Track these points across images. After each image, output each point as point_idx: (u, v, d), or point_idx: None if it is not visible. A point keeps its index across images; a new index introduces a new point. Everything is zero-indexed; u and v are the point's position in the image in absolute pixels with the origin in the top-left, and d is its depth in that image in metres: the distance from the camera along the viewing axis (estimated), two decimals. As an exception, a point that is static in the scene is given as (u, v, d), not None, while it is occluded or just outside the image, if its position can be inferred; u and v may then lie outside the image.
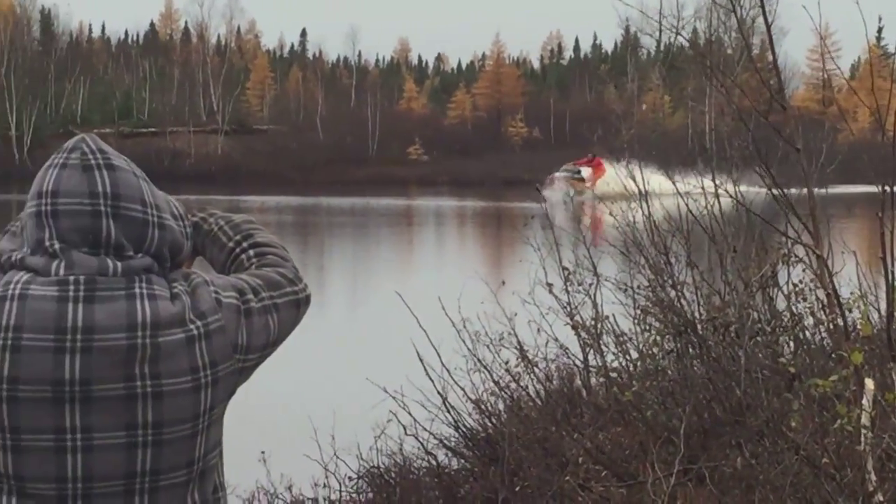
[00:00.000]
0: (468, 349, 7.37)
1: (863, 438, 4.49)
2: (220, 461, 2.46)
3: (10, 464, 2.25)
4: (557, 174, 57.50)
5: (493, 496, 6.18)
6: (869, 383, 4.66)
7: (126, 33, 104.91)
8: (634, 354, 6.97)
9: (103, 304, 2.25)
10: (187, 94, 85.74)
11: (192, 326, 2.28)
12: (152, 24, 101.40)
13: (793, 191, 6.45)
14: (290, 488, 7.23)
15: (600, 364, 6.96)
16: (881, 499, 4.44)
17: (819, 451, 4.66)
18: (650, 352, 6.76)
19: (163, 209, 2.36)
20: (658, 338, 6.73)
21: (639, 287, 7.40)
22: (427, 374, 6.96)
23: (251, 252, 2.56)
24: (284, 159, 76.72)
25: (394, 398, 6.80)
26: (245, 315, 2.36)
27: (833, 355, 5.86)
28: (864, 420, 4.53)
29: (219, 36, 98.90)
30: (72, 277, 2.25)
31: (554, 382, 7.28)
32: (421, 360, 6.84)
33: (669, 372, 6.52)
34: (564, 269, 7.24)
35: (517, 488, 6.08)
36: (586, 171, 58.52)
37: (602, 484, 5.74)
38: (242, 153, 78.55)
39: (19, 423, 2.23)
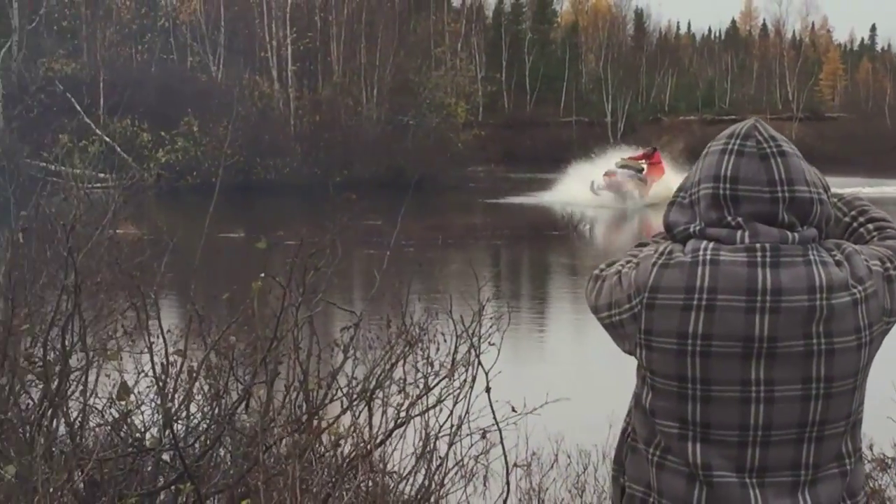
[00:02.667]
0: None
1: None
2: (862, 416, 2.47)
3: (698, 412, 2.34)
4: (618, 170, 41.50)
5: None
6: None
7: (709, 30, 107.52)
8: None
9: (787, 269, 2.30)
10: (765, 85, 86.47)
11: (854, 290, 2.31)
12: (733, 21, 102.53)
13: None
14: (871, 447, 7.24)
15: None
16: None
17: None
18: None
19: (818, 185, 2.40)
20: None
21: None
22: None
23: (870, 226, 2.57)
24: (853, 145, 74.77)
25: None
26: (887, 281, 2.38)
27: None
28: None
29: (794, 31, 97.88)
30: (758, 245, 2.32)
31: None
32: None
33: None
34: None
35: None
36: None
37: None
38: (814, 138, 77.45)
39: (710, 376, 2.31)
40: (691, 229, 2.39)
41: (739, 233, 2.34)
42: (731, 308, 2.29)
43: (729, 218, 2.36)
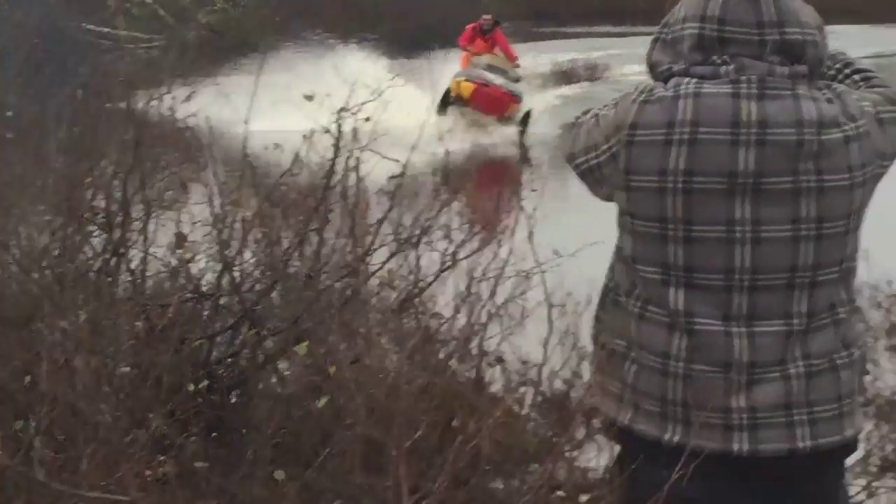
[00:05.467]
0: None
1: None
2: (856, 265, 2.36)
3: (681, 255, 2.21)
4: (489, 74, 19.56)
5: None
6: None
7: None
8: None
9: (773, 101, 2.18)
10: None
11: (846, 127, 2.20)
12: None
13: None
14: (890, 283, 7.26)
15: None
16: None
17: None
18: None
19: (811, 25, 2.26)
20: None
21: None
22: None
23: (856, 77, 2.45)
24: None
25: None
26: (879, 123, 2.27)
27: None
28: None
29: None
30: (743, 77, 2.19)
31: None
32: None
33: None
34: None
35: None
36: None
37: None
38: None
39: (692, 215, 2.18)
40: (675, 69, 2.26)
41: (724, 67, 2.20)
42: (715, 141, 2.16)
43: (714, 57, 2.22)
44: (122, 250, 4.39)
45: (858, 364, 2.31)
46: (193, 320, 4.38)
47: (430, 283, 4.66)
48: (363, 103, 4.52)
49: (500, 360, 4.94)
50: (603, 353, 2.40)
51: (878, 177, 2.28)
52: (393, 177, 4.68)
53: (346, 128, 4.43)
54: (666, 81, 2.24)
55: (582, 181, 2.36)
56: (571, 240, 5.42)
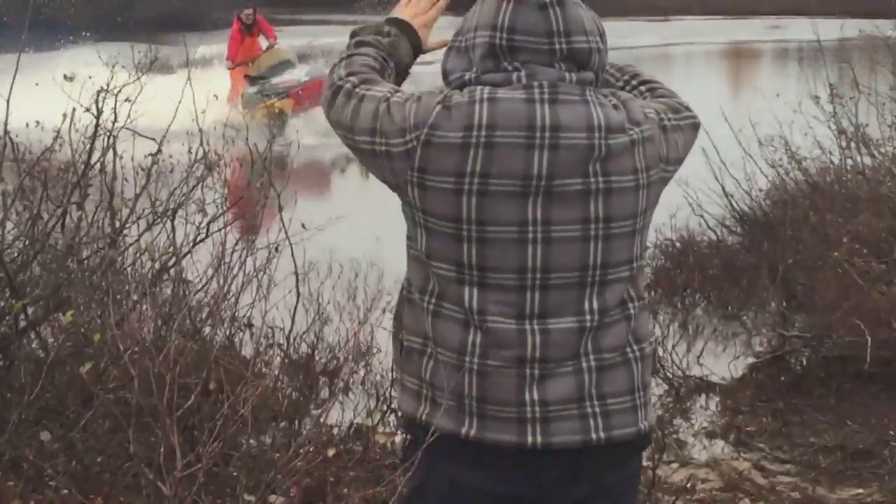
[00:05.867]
0: (743, 147, 8.04)
1: None
2: (644, 264, 2.43)
3: (474, 255, 2.21)
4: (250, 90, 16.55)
5: (767, 266, 6.93)
6: None
7: None
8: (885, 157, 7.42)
9: (565, 106, 2.20)
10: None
11: (631, 132, 2.24)
12: None
13: None
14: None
15: (856, 163, 7.47)
16: None
17: None
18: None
19: (595, 32, 2.28)
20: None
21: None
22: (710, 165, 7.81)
23: (642, 88, 2.51)
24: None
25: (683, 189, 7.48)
26: (662, 130, 2.32)
27: None
28: None
29: None
30: (535, 83, 2.21)
31: (814, 177, 7.85)
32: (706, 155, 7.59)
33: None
34: (830, 84, 7.64)
35: (790, 261, 6.68)
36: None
37: (864, 260, 6.22)
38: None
39: (486, 216, 2.19)
40: (466, 77, 2.27)
41: (516, 74, 2.22)
42: (510, 145, 2.17)
43: (506, 64, 2.24)
44: None
45: (649, 358, 2.35)
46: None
47: (185, 254, 4.91)
48: (123, 85, 4.73)
49: (249, 325, 5.27)
50: (401, 351, 2.37)
51: (663, 180, 2.34)
52: (150, 155, 4.94)
53: (107, 108, 4.64)
54: (460, 89, 2.25)
55: (355, 154, 2.34)
56: (319, 215, 5.82)
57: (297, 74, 15.89)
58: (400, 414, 2.45)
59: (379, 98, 2.27)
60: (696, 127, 2.44)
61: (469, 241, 2.20)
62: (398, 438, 4.71)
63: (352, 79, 2.33)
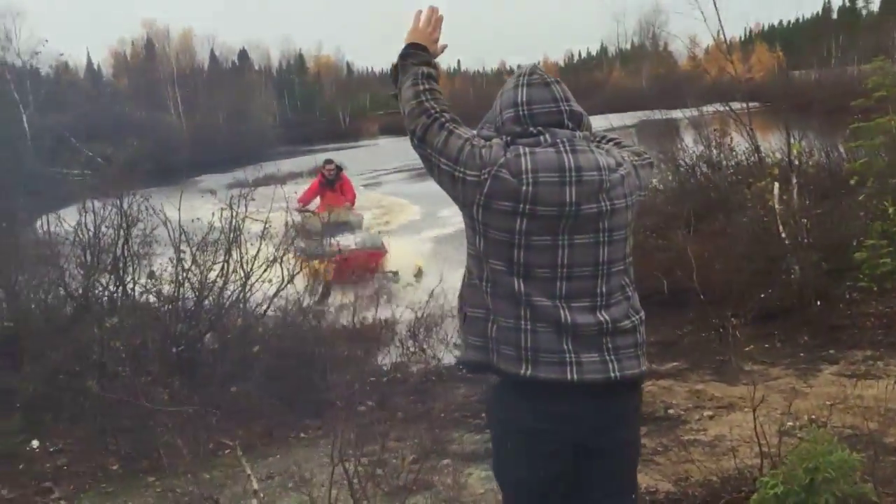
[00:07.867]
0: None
1: (776, 208, 8.39)
2: (632, 260, 2.81)
3: (521, 257, 2.63)
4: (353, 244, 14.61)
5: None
6: (776, 185, 8.53)
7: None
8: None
9: (581, 154, 2.65)
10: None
11: (620, 170, 2.70)
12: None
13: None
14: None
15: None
16: (784, 235, 8.28)
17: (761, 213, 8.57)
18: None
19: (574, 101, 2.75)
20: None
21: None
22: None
23: (610, 143, 2.91)
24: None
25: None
26: (635, 168, 2.78)
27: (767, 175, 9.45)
28: (774, 201, 8.44)
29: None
30: (558, 140, 2.66)
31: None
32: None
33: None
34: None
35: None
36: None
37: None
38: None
39: (532, 231, 2.61)
40: (502, 140, 2.68)
41: (541, 136, 2.66)
42: (550, 182, 2.58)
43: (531, 128, 2.67)
44: None
45: (643, 323, 2.79)
46: None
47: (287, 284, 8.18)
48: (240, 196, 8.16)
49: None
50: (465, 319, 2.77)
51: (639, 202, 2.78)
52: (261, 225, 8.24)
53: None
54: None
55: (428, 167, 2.72)
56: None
57: (349, 240, 14.24)
58: (465, 362, 2.81)
59: (465, 138, 2.71)
60: (652, 165, 2.94)
61: (519, 247, 2.63)
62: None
63: (445, 115, 2.78)
